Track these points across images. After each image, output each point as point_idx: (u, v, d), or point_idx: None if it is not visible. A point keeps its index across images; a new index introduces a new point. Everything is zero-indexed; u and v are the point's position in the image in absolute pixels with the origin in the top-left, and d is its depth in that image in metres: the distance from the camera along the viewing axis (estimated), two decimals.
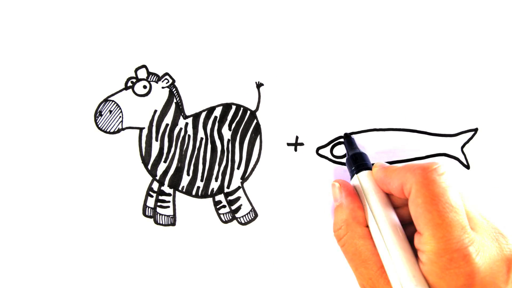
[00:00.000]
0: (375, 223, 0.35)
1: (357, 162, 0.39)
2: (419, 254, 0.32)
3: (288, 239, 0.43)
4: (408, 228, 0.35)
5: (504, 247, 0.31)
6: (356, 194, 0.38)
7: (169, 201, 0.44)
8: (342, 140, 0.43)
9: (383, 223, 0.34)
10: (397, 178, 0.34)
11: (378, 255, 0.34)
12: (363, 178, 0.38)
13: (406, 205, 0.35)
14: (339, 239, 0.37)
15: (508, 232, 0.33)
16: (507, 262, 0.31)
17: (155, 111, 0.44)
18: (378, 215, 0.35)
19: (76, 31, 0.44)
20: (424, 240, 0.31)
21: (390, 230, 0.34)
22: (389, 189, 0.35)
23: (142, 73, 0.44)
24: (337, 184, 0.38)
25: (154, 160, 0.44)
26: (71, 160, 0.43)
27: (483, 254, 0.30)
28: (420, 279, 0.31)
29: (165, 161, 0.44)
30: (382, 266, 0.33)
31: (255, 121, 0.44)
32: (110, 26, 0.44)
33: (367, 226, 0.36)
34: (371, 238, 0.35)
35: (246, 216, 0.43)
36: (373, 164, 0.39)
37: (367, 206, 0.36)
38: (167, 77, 0.44)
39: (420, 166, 0.32)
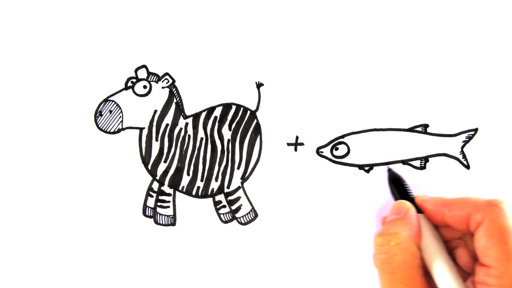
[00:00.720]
0: (429, 255, 0.35)
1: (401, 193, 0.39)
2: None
3: (288, 239, 0.43)
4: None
5: None
6: (419, 219, 0.37)
7: (169, 201, 0.44)
8: (342, 140, 0.43)
9: (438, 259, 0.34)
10: (462, 209, 0.34)
11: (422, 276, 0.33)
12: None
13: (455, 238, 0.36)
14: (382, 244, 0.35)
15: None
16: None
17: (155, 111, 0.44)
18: (435, 253, 0.35)
19: (76, 31, 0.44)
20: (495, 273, 0.31)
21: (442, 259, 0.34)
22: (446, 221, 0.35)
23: (142, 73, 0.44)
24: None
25: (154, 160, 0.44)
26: (71, 160, 0.43)
27: None
28: None
29: (165, 161, 0.44)
30: None
31: (255, 121, 0.44)
32: (110, 26, 0.44)
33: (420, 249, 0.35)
34: (421, 259, 0.34)
35: (246, 216, 0.43)
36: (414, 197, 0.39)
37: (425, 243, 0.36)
38: (167, 77, 0.44)
39: (491, 201, 0.33)
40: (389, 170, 0.41)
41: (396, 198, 0.39)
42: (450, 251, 0.36)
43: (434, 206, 0.36)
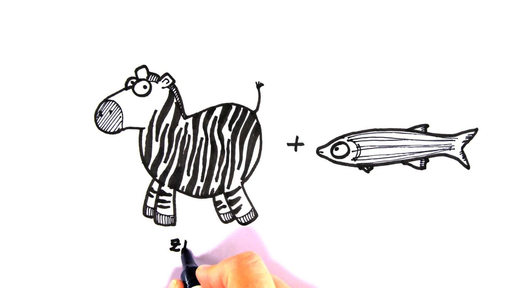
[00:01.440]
0: None
1: (191, 277, 0.40)
2: None
3: (288, 239, 0.43)
4: None
5: None
6: None
7: (169, 201, 0.44)
8: (342, 140, 0.43)
9: None
10: (216, 272, 0.35)
11: None
12: None
13: None
14: None
15: None
16: None
17: (155, 111, 0.44)
18: None
19: (76, 31, 0.44)
20: None
21: None
22: (213, 286, 0.36)
23: (142, 73, 0.44)
24: (174, 281, 0.39)
25: (154, 160, 0.44)
26: (71, 160, 0.43)
27: None
28: None
29: (165, 161, 0.44)
30: None
31: (255, 121, 0.44)
32: (110, 26, 0.44)
33: None
34: None
35: (246, 216, 0.43)
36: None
37: None
38: (167, 77, 0.44)
39: (235, 256, 0.35)
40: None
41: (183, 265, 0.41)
42: None
43: (202, 276, 0.37)
